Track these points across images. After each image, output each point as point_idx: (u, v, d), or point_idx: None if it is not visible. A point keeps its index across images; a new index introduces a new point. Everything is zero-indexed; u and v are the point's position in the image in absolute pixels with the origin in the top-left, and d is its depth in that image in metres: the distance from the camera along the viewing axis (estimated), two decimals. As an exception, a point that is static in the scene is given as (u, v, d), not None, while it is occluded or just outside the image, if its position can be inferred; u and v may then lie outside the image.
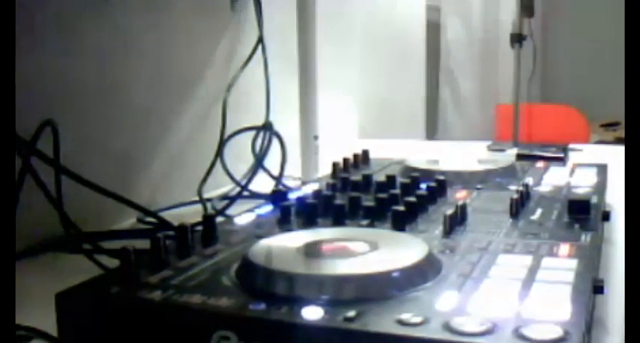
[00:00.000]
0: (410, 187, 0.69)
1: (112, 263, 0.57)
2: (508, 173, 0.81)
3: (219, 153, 0.99)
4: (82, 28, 0.80)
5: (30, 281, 0.58)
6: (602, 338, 0.46)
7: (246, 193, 0.94)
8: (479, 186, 0.75)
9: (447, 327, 0.36)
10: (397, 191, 0.66)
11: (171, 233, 0.55)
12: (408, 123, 2.17)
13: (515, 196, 0.63)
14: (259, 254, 0.47)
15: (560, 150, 1.19)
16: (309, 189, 0.73)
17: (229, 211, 0.84)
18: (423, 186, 0.69)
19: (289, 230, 0.58)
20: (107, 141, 0.85)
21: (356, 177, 0.76)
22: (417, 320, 0.37)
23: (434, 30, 2.60)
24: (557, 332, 0.35)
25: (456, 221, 0.58)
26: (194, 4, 1.01)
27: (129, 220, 0.84)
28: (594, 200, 0.65)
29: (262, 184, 0.95)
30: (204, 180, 0.97)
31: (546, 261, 0.47)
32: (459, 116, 2.80)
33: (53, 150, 0.65)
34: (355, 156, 0.91)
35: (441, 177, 0.72)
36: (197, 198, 0.93)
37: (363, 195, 0.65)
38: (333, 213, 0.60)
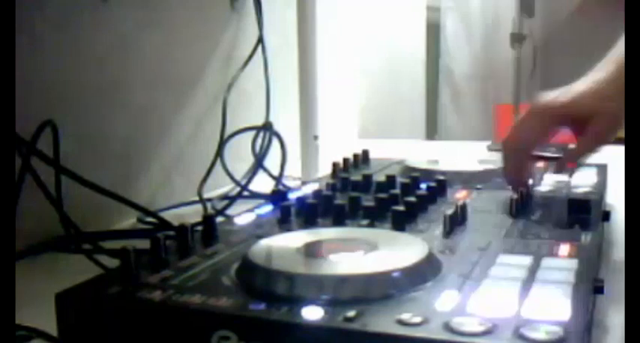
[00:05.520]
0: (410, 187, 0.69)
1: (112, 263, 0.57)
2: (508, 173, 0.81)
3: (219, 153, 0.99)
4: (81, 28, 0.80)
5: (30, 281, 0.58)
6: (602, 338, 0.46)
7: (246, 193, 0.94)
8: (479, 186, 0.75)
9: (447, 327, 0.36)
10: (397, 191, 0.66)
11: (171, 233, 0.55)
12: (408, 123, 2.17)
13: (515, 196, 0.63)
14: (259, 254, 0.47)
15: (560, 150, 1.19)
16: (309, 189, 0.73)
17: (229, 211, 0.84)
18: (423, 186, 0.69)
19: (289, 230, 0.58)
20: (107, 141, 0.85)
21: (356, 177, 0.76)
22: (417, 320, 0.37)
23: (434, 30, 2.60)
24: (557, 332, 0.35)
25: (456, 221, 0.58)
26: (194, 4, 1.01)
27: (129, 220, 0.84)
28: (594, 200, 0.65)
29: (262, 184, 0.95)
30: (204, 180, 0.97)
31: (546, 261, 0.47)
32: (458, 116, 2.80)
33: (53, 150, 0.65)
34: (355, 156, 0.91)
35: (441, 177, 0.72)
36: (197, 198, 0.93)
37: (363, 195, 0.65)
38: (333, 213, 0.60)
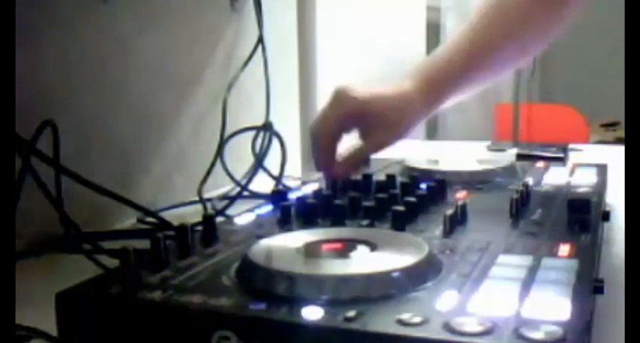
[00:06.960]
0: (410, 187, 0.69)
1: (112, 263, 0.57)
2: (508, 173, 0.81)
3: (219, 153, 0.99)
4: (81, 28, 0.80)
5: (30, 281, 0.58)
6: (602, 338, 0.46)
7: (246, 193, 0.94)
8: (479, 186, 0.75)
9: (447, 327, 0.36)
10: (397, 191, 0.66)
11: (171, 233, 0.55)
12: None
13: (515, 196, 0.63)
14: (259, 254, 0.47)
15: (560, 150, 1.19)
16: (309, 189, 0.73)
17: (229, 211, 0.84)
18: (423, 186, 0.69)
19: (289, 230, 0.58)
20: (107, 141, 0.85)
21: (356, 177, 0.76)
22: (417, 320, 0.37)
23: (434, 30, 2.60)
24: (557, 332, 0.35)
25: (456, 221, 0.58)
26: (194, 4, 1.01)
27: (129, 220, 0.84)
28: (594, 200, 0.65)
29: (262, 184, 0.95)
30: (204, 180, 0.97)
31: (546, 261, 0.47)
32: (458, 116, 2.80)
33: (53, 150, 0.65)
34: (355, 156, 0.91)
35: (441, 177, 0.72)
36: (197, 198, 0.93)
37: (363, 195, 0.65)
38: (333, 213, 0.60)
